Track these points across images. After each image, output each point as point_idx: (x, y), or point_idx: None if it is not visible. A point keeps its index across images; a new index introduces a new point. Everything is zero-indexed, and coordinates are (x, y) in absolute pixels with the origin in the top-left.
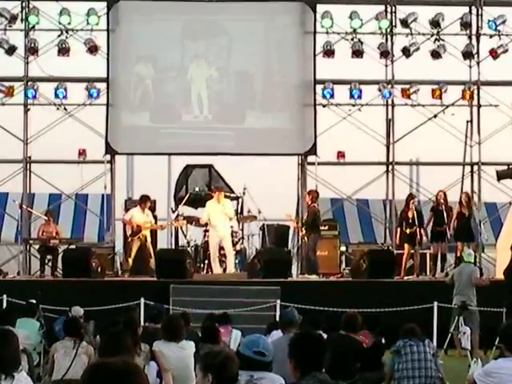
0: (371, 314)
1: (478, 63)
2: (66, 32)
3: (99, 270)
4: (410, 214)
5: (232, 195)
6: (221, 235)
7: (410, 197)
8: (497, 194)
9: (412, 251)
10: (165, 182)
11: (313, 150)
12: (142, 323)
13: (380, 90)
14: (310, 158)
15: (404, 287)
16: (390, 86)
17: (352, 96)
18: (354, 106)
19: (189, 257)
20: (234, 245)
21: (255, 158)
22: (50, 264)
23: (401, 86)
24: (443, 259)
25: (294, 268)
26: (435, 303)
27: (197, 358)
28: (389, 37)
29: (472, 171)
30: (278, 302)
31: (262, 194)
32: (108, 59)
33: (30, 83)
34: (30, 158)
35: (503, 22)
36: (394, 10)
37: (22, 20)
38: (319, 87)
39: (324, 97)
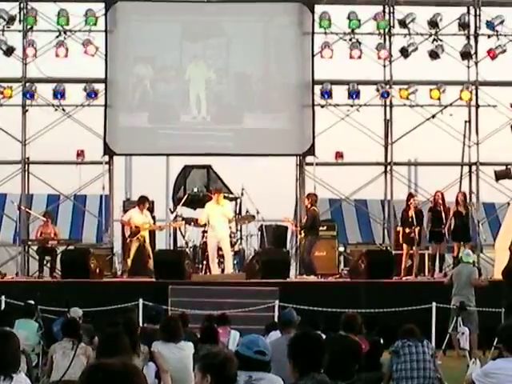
0: (370, 314)
1: (476, 63)
2: (64, 33)
3: (98, 270)
4: (409, 214)
5: (230, 196)
6: (219, 236)
7: (410, 196)
8: (495, 194)
9: (411, 251)
10: (163, 183)
11: (311, 151)
12: (141, 324)
13: (378, 91)
14: (309, 159)
15: (402, 288)
16: (388, 86)
17: (350, 96)
18: (352, 106)
19: (187, 258)
20: (233, 245)
21: (253, 159)
22: (48, 265)
23: (399, 87)
24: (442, 260)
25: (293, 269)
26: (434, 304)
27: (195, 358)
28: (387, 37)
29: (470, 171)
30: (277, 302)
31: (260, 194)
32: (106, 60)
33: (28, 84)
34: (28, 158)
35: (501, 23)
36: (392, 10)
37: (20, 21)
38: (317, 87)
39: (322, 97)
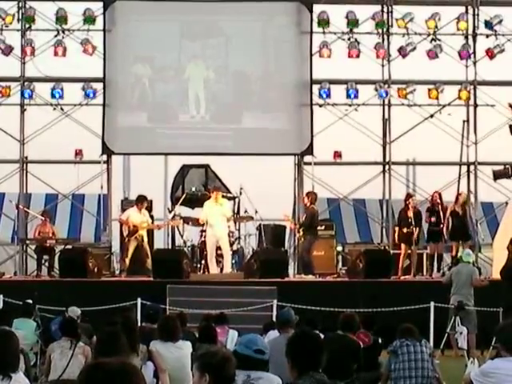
0: (368, 313)
1: (474, 63)
2: (63, 32)
3: (96, 270)
4: (409, 214)
5: (229, 195)
6: (218, 235)
7: (408, 196)
8: (493, 193)
9: (409, 251)
10: (161, 182)
11: (309, 150)
12: (139, 323)
13: (376, 90)
14: (307, 158)
15: (401, 287)
16: (386, 85)
17: (348, 96)
18: (350, 105)
19: (185, 257)
20: (231, 245)
21: (252, 158)
22: (46, 264)
23: (397, 86)
24: (440, 259)
25: (291, 268)
26: (432, 303)
27: (194, 357)
28: (385, 36)
29: (468, 171)
30: (275, 302)
31: (258, 194)
32: (104, 59)
33: (26, 83)
34: (26, 158)
35: (499, 22)
36: (390, 9)
37: (18, 20)
38: (316, 87)
39: (320, 97)
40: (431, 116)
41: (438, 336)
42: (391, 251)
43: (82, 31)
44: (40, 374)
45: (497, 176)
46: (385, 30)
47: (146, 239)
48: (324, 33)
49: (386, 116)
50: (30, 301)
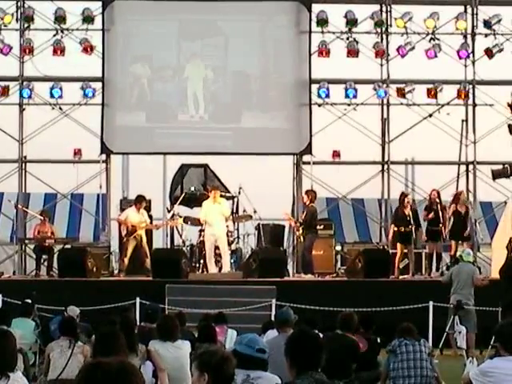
0: (367, 313)
1: (473, 62)
2: (61, 32)
3: (95, 269)
4: (406, 212)
5: (227, 195)
6: (216, 234)
7: (403, 195)
8: (492, 193)
9: (405, 250)
10: (160, 182)
11: (308, 150)
12: (138, 323)
13: (375, 90)
14: (306, 158)
15: (399, 286)
16: (385, 85)
17: (347, 95)
18: (349, 105)
19: (184, 256)
20: (230, 244)
21: (251, 158)
22: (45, 264)
23: (396, 86)
24: (438, 258)
25: (290, 267)
26: (431, 302)
27: (193, 357)
28: (384, 36)
29: (467, 170)
30: (274, 301)
31: (257, 193)
32: (103, 59)
33: (25, 83)
34: (25, 157)
35: (498, 22)
36: (389, 9)
37: (17, 19)
38: (314, 87)
39: (319, 96)
40: (430, 115)
41: (436, 335)
42: (390, 251)
43: (81, 31)
44: (39, 374)
45: (496, 175)
46: (383, 29)
47: (144, 239)
48: (323, 32)
49: (385, 115)
50: (29, 300)
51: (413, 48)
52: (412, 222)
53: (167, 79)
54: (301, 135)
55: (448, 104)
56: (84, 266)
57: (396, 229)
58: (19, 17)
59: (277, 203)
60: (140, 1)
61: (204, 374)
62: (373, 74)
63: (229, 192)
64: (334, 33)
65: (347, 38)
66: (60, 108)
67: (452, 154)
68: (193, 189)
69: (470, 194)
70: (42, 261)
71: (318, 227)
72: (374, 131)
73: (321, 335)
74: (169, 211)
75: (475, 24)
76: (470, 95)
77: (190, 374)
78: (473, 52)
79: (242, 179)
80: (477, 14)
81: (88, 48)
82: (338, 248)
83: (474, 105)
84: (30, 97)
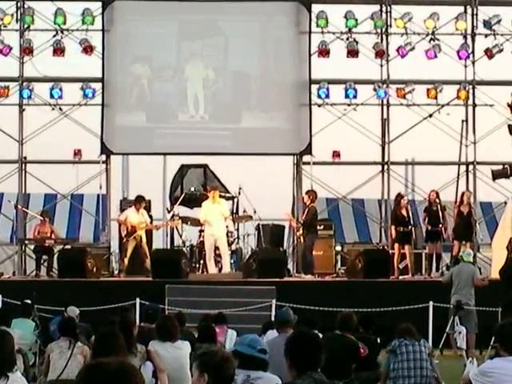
0: (367, 313)
1: (473, 63)
2: (61, 32)
3: (94, 270)
4: (403, 213)
5: (227, 195)
6: (216, 235)
7: (399, 196)
8: (492, 193)
9: (403, 251)
10: (160, 182)
11: (308, 150)
12: (138, 323)
13: (375, 90)
14: (306, 158)
15: (399, 287)
16: (385, 85)
17: (347, 96)
18: (349, 105)
19: (184, 257)
20: (230, 245)
21: (251, 158)
22: (45, 264)
23: (396, 86)
24: (438, 259)
25: (292, 268)
26: (431, 303)
27: (193, 357)
28: (384, 36)
29: (467, 171)
30: (274, 301)
31: (257, 193)
32: (103, 59)
33: (25, 83)
34: (25, 158)
35: (498, 22)
36: (389, 9)
37: (17, 20)
38: (314, 87)
39: (319, 96)
40: (430, 116)
41: (436, 336)
42: (390, 251)
43: (81, 31)
44: (39, 374)
45: (496, 176)
46: (383, 29)
47: (144, 239)
48: (323, 32)
49: (385, 116)
50: (29, 301)
51: (413, 48)
52: (411, 222)
53: (167, 79)
54: (301, 135)
55: (448, 104)
56: (84, 266)
57: (395, 229)
58: (19, 17)
59: (277, 203)
60: (140, 1)
61: (204, 375)
62: (373, 75)
63: (229, 192)
64: (333, 33)
65: (347, 39)
66: (60, 108)
67: (452, 155)
68: (193, 189)
69: (470, 194)
70: (42, 261)
71: (318, 227)
72: (374, 131)
73: (320, 335)
74: (169, 212)
75: (475, 24)
76: (470, 95)
77: (190, 374)
78: (473, 52)
79: (241, 179)
80: (477, 15)
81: (88, 48)
82: (338, 248)
83: (474, 105)
84: (29, 97)
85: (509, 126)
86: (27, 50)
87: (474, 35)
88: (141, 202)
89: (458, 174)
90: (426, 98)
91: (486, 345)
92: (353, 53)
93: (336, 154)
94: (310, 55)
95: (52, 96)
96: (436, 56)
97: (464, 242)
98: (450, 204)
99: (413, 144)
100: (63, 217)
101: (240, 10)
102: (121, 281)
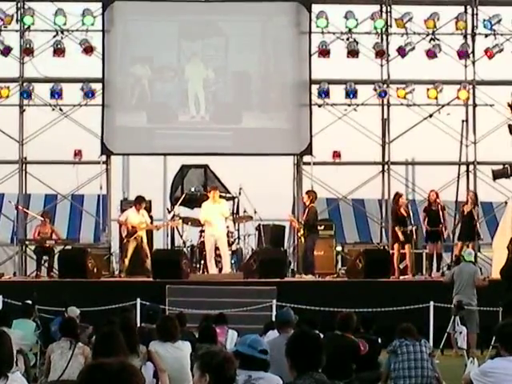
0: (367, 313)
1: (473, 63)
2: (62, 32)
3: (95, 270)
4: (403, 213)
5: (228, 195)
6: (216, 235)
7: (398, 195)
8: (492, 193)
9: (403, 251)
10: (160, 183)
11: (308, 150)
12: (138, 324)
13: (375, 90)
14: (306, 158)
15: (400, 287)
16: (385, 85)
17: (347, 96)
18: (349, 105)
19: (185, 257)
20: (230, 245)
21: (251, 158)
22: (45, 265)
23: (396, 86)
24: (439, 259)
25: (295, 267)
26: (431, 303)
27: (193, 358)
28: (384, 36)
29: (468, 171)
30: (274, 302)
31: (257, 194)
32: (103, 60)
33: (25, 84)
34: (25, 158)
35: (498, 22)
36: (389, 9)
37: (17, 21)
38: (315, 87)
39: (319, 97)
40: (430, 116)
41: (437, 336)
42: (390, 251)
43: (81, 32)
44: (40, 375)
45: (496, 176)
46: (384, 29)
47: (145, 240)
48: (323, 33)
49: (385, 116)
50: (30, 301)
51: (413, 48)
52: (412, 221)
53: (168, 80)
54: (301, 136)
55: (448, 104)
56: (84, 266)
57: (401, 230)
58: (19, 18)
59: (277, 204)
60: (140, 1)
61: (205, 375)
62: (373, 75)
63: (229, 193)
64: (334, 33)
65: (347, 39)
66: (60, 109)
67: (452, 155)
68: (193, 189)
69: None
70: (43, 262)
71: (318, 227)
72: (375, 131)
73: (321, 336)
74: (169, 212)
75: (475, 24)
76: (471, 95)
77: (191, 374)
78: (473, 52)
79: (242, 180)
80: (477, 15)
81: (88, 49)
82: (339, 248)
83: (475, 105)
84: (30, 98)
85: (509, 125)
86: (27, 51)
87: (474, 35)
88: (141, 202)
89: (459, 174)
90: (426, 98)
91: (487, 345)
92: (353, 53)
93: (336, 154)
94: (310, 55)
95: (52, 96)
96: (436, 56)
97: (467, 242)
98: (450, 204)
99: (413, 144)
100: (64, 217)
101: (240, 11)
102: (121, 281)
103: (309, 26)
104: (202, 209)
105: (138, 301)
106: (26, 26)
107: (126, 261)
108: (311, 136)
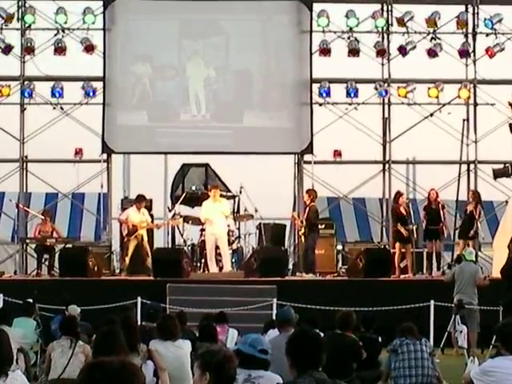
0: (368, 312)
1: (474, 62)
2: (63, 31)
3: (96, 269)
4: (403, 212)
5: (228, 194)
6: (217, 234)
7: (398, 194)
8: (493, 192)
9: (403, 250)
10: (161, 181)
11: (309, 149)
12: (139, 322)
13: (376, 89)
14: (307, 157)
15: (400, 286)
16: (386, 84)
17: (348, 95)
18: (350, 104)
19: (185, 256)
20: (231, 244)
21: (252, 157)
22: (46, 263)
23: (397, 85)
24: (438, 258)
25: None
26: (432, 302)
27: (194, 356)
28: (385, 35)
29: (468, 170)
30: (275, 300)
31: (258, 192)
32: (104, 58)
33: (26, 82)
34: (26, 157)
35: (499, 21)
36: (390, 8)
37: (18, 19)
38: (316, 86)
39: (320, 95)
40: (431, 115)
41: (438, 335)
42: (391, 250)
43: (82, 30)
44: (40, 373)
45: (497, 175)
46: (385, 28)
47: (145, 238)
48: (324, 32)
49: (386, 115)
50: (30, 300)
51: (414, 47)
52: (412, 220)
53: (169, 78)
54: (302, 134)
55: (449, 103)
56: (85, 265)
57: (397, 229)
58: (20, 16)
59: (278, 202)
60: (141, 0)
61: (205, 374)
62: (374, 74)
63: (230, 191)
64: (335, 32)
65: (348, 38)
66: (61, 107)
67: (453, 154)
68: (194, 188)
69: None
70: (43, 260)
71: (319, 226)
72: (375, 130)
73: (322, 334)
74: (170, 210)
75: (476, 23)
76: (471, 94)
77: (191, 373)
78: (474, 51)
79: (243, 178)
80: (478, 14)
81: (89, 47)
82: (339, 247)
83: (475, 104)
84: (31, 96)
85: (510, 124)
86: (28, 49)
87: (475, 34)
88: (141, 201)
89: (459, 173)
90: (427, 97)
91: (488, 344)
92: (354, 52)
93: (337, 153)
94: (311, 54)
95: (53, 95)
96: (437, 55)
97: (467, 241)
98: (451, 203)
99: (414, 143)
100: (64, 216)
101: (241, 9)
102: (122, 280)
103: (310, 24)
104: (203, 207)
105: (139, 299)
106: (27, 25)
107: (127, 259)
108: (312, 135)
